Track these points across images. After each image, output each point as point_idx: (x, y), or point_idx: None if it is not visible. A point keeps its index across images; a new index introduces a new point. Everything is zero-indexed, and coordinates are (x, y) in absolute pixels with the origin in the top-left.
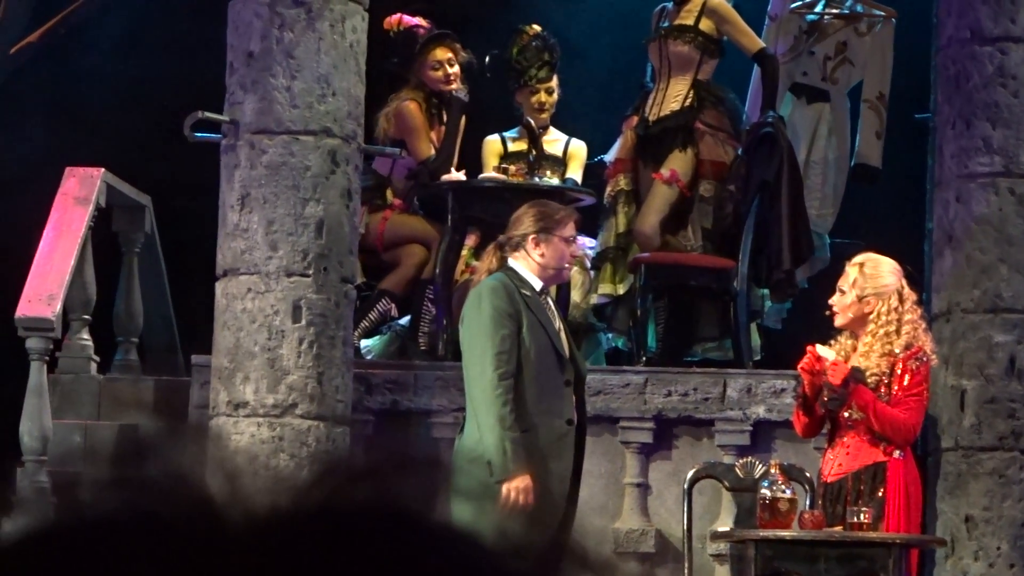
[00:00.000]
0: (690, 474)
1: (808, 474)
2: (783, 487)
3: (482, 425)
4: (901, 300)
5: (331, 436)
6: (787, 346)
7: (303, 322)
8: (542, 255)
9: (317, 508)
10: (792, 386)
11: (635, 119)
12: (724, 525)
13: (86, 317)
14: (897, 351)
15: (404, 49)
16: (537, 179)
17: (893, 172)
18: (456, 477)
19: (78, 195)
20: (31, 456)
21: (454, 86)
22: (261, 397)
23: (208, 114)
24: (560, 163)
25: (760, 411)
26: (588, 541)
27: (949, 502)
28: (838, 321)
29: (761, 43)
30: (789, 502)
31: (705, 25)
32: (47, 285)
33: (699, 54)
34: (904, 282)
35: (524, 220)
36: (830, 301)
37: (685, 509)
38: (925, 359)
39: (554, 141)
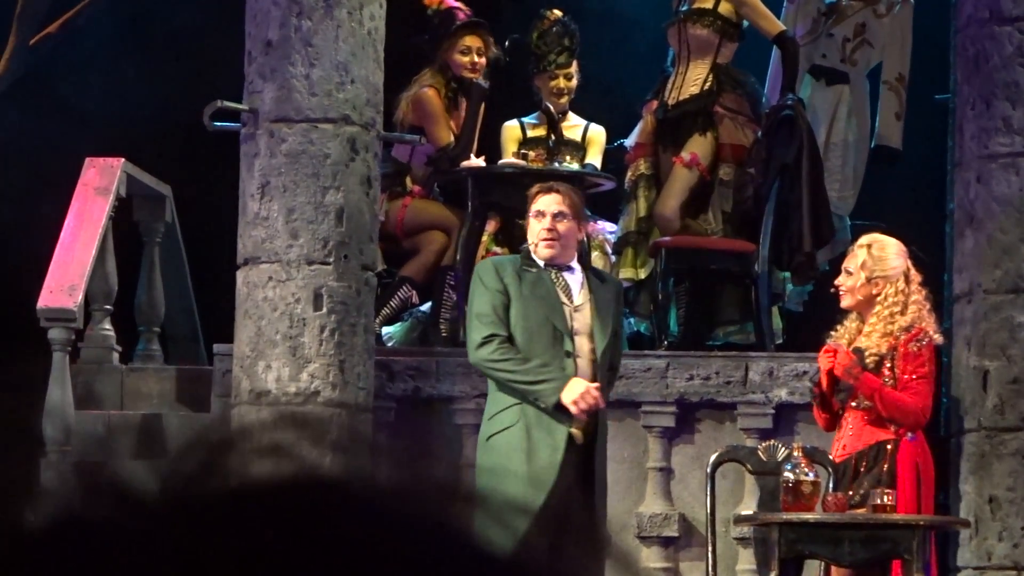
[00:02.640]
0: (713, 458)
1: (831, 456)
2: (806, 470)
3: (500, 384)
4: (908, 281)
5: (353, 423)
6: (809, 329)
7: (324, 310)
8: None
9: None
10: (815, 369)
11: (655, 103)
12: (747, 508)
13: (108, 307)
14: (898, 332)
15: (439, 28)
16: (556, 164)
17: (913, 153)
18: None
19: (98, 185)
20: (54, 447)
21: (477, 75)
22: (283, 385)
23: (227, 103)
24: (579, 148)
25: (782, 394)
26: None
27: (972, 483)
28: (845, 302)
29: (781, 25)
30: (812, 485)
31: (724, 8)
32: (68, 276)
33: (718, 37)
34: (910, 263)
35: None
36: (836, 282)
37: (708, 493)
38: (926, 339)
39: (573, 127)
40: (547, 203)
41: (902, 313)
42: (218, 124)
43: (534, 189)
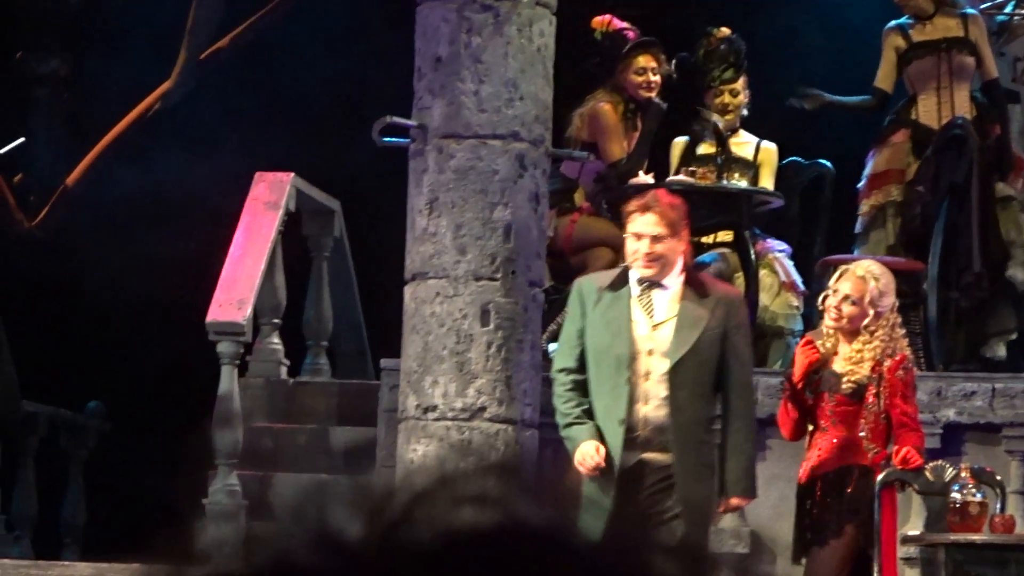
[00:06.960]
0: (880, 477)
1: (999, 477)
2: (973, 490)
3: None
4: (894, 312)
5: (520, 439)
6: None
7: (491, 326)
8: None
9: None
10: (984, 389)
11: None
12: (914, 529)
13: (276, 321)
14: (881, 358)
15: (610, 51)
16: (725, 182)
17: None
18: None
19: (268, 200)
20: (223, 460)
21: (653, 94)
22: (450, 401)
23: (396, 119)
24: (750, 166)
25: (950, 414)
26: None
27: None
28: (839, 325)
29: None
30: (980, 506)
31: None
32: (238, 289)
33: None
34: None
35: None
36: (831, 303)
37: (876, 514)
38: (910, 366)
39: (744, 143)
40: (643, 225)
41: (885, 343)
42: (387, 140)
43: (631, 206)
